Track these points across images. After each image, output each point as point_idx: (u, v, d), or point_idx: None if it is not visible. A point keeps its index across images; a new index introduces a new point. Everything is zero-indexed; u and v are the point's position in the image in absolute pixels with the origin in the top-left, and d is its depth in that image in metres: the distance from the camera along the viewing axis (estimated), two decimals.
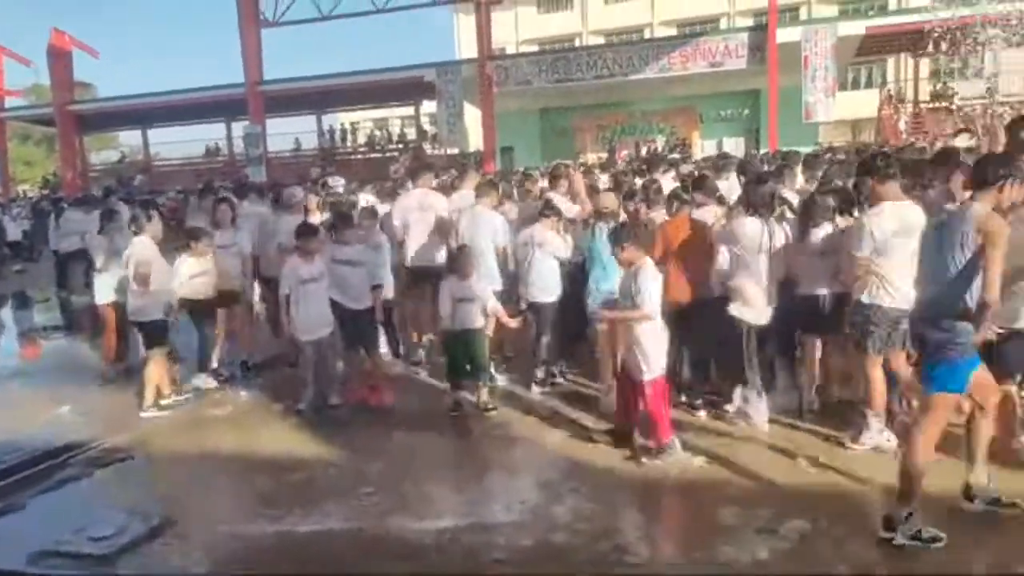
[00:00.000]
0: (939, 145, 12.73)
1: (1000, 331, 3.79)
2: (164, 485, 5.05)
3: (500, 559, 3.69)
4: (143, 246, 6.23)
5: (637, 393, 4.69)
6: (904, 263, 4.33)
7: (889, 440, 4.55)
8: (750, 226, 4.92)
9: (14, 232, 17.13)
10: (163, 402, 6.20)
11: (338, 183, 10.55)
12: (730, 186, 7.36)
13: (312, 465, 4.95)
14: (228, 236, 6.97)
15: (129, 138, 40.01)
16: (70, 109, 31.15)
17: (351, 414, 5.90)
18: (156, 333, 6.24)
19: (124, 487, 5.00)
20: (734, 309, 4.98)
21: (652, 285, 4.60)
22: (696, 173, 8.99)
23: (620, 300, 4.86)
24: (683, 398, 5.47)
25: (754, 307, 4.93)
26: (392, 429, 5.56)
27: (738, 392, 5.15)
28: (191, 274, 6.47)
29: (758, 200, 4.99)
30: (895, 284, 4.39)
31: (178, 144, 35.54)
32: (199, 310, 6.62)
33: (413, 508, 4.24)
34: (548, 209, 6.30)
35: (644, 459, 4.61)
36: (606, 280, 5.51)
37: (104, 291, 7.09)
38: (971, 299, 3.38)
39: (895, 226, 4.35)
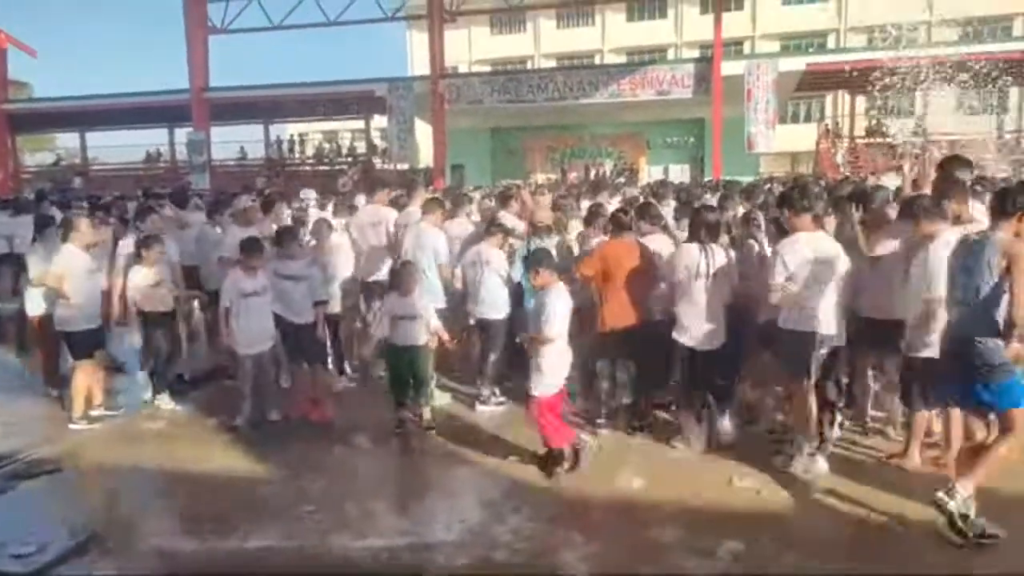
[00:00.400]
0: (871, 181, 13.30)
1: None
2: (92, 500, 4.88)
3: None
4: (69, 255, 5.99)
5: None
6: (821, 290, 4.56)
7: (821, 464, 4.70)
8: (689, 252, 5.04)
9: None
10: (93, 413, 6.00)
11: (309, 196, 10.32)
12: (668, 212, 7.55)
13: (249, 481, 4.86)
14: None
15: (66, 141, 38.68)
16: (3, 108, 30.00)
17: (291, 429, 5.79)
18: (83, 343, 6.03)
19: (50, 501, 4.82)
20: (676, 333, 5.10)
21: (559, 307, 4.76)
22: (641, 199, 9.21)
23: (531, 320, 5.03)
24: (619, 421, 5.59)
25: (694, 332, 5.05)
26: (333, 445, 5.48)
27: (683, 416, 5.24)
28: (148, 284, 6.27)
29: (697, 226, 5.12)
30: (810, 309, 4.58)
31: (118, 149, 34.49)
32: (155, 322, 6.41)
33: (353, 526, 4.19)
34: (494, 226, 6.37)
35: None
36: None
37: (36, 303, 6.72)
38: (1000, 318, 3.69)
39: (809, 255, 4.57)
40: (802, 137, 30.25)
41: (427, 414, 5.75)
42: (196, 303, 7.88)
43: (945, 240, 4.30)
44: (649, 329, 5.38)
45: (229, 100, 28.28)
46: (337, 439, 5.61)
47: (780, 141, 24.81)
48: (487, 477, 4.90)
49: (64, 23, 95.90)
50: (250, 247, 5.81)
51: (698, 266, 4.95)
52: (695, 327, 5.02)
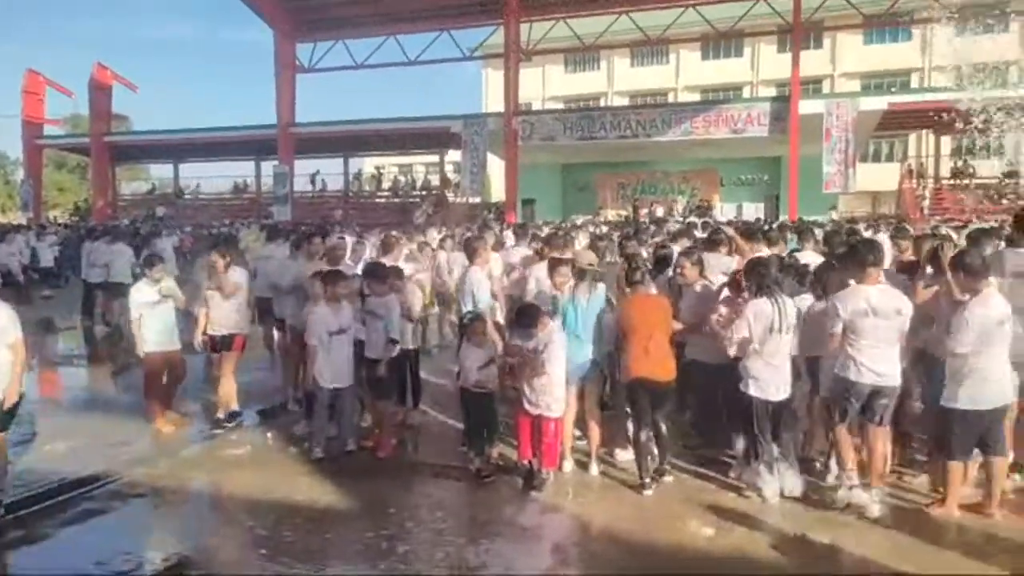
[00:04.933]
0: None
1: None
2: (182, 523, 5.13)
3: None
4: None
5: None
6: (876, 342, 4.74)
7: (858, 496, 4.83)
8: (761, 308, 4.95)
9: (46, 258, 17.51)
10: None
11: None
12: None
13: (332, 512, 5.02)
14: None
15: (160, 171, 41.03)
16: (106, 140, 32.10)
17: (367, 462, 5.95)
18: None
19: (143, 522, 5.11)
20: (747, 387, 5.02)
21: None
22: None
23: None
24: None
25: (768, 385, 4.99)
26: (410, 480, 5.63)
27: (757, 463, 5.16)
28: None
29: (762, 279, 5.06)
30: (861, 361, 4.76)
31: (207, 179, 36.33)
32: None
33: (440, 562, 4.29)
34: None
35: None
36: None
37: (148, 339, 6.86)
38: None
39: (862, 307, 4.72)
40: (884, 177, 29.45)
41: (494, 454, 5.82)
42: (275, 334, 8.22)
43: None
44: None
45: (312, 135, 29.55)
46: (413, 473, 5.76)
47: (861, 181, 24.25)
48: (555, 515, 4.99)
49: (161, 59, 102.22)
50: (333, 278, 6.09)
51: (772, 322, 4.92)
52: (770, 380, 4.98)
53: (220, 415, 6.82)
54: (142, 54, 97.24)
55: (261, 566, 4.28)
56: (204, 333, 6.91)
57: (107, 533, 4.84)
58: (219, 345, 6.96)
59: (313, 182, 33.77)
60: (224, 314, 6.89)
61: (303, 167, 31.85)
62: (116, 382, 9.45)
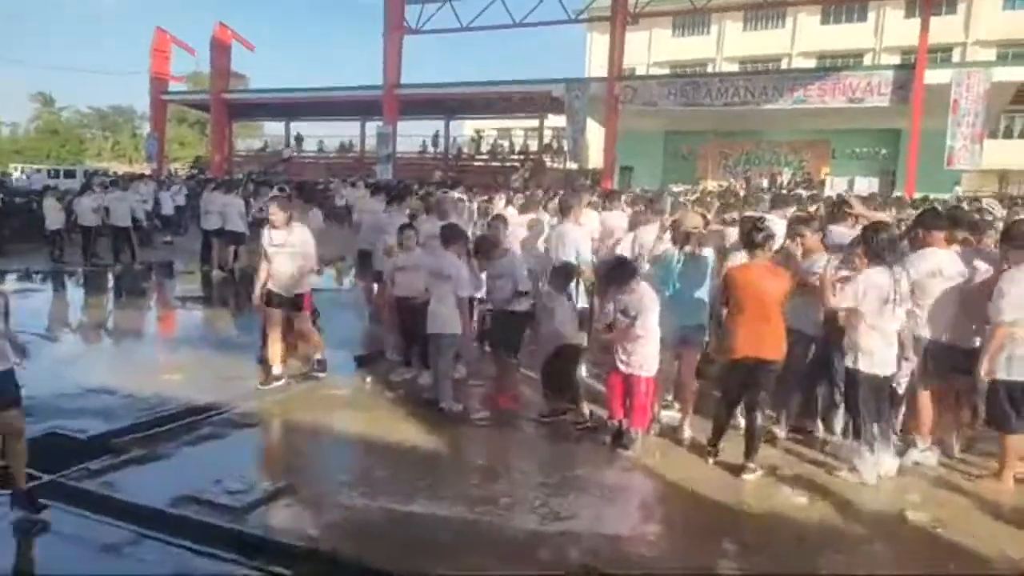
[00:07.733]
0: None
1: None
2: (286, 453, 5.50)
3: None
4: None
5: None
6: (937, 301, 5.01)
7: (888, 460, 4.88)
8: (877, 277, 4.75)
9: (168, 207, 18.72)
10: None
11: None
12: None
13: (426, 452, 5.25)
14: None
15: (271, 128, 42.71)
16: (224, 97, 33.66)
17: (460, 412, 6.10)
18: None
19: (253, 449, 5.54)
20: (856, 361, 4.81)
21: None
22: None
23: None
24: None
25: (879, 358, 4.79)
26: (503, 432, 5.80)
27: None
28: None
29: (880, 248, 4.79)
30: (925, 318, 5.05)
31: (315, 138, 37.56)
32: None
33: (522, 508, 4.42)
34: None
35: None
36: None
37: None
38: None
39: (931, 269, 5.03)
40: (1016, 154, 27.27)
41: (584, 410, 5.90)
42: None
43: None
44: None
45: (416, 96, 29.97)
46: (507, 427, 5.91)
47: (988, 158, 22.55)
48: (643, 474, 5.03)
49: (277, 20, 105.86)
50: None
51: (888, 293, 4.72)
52: (881, 354, 4.80)
53: (319, 356, 7.02)
54: (260, 12, 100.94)
55: (357, 496, 4.51)
56: (263, 287, 6.61)
57: (222, 456, 5.24)
58: (280, 303, 6.61)
59: (435, 143, 34.46)
60: (287, 272, 6.55)
61: (404, 128, 32.42)
62: (230, 323, 10.05)
